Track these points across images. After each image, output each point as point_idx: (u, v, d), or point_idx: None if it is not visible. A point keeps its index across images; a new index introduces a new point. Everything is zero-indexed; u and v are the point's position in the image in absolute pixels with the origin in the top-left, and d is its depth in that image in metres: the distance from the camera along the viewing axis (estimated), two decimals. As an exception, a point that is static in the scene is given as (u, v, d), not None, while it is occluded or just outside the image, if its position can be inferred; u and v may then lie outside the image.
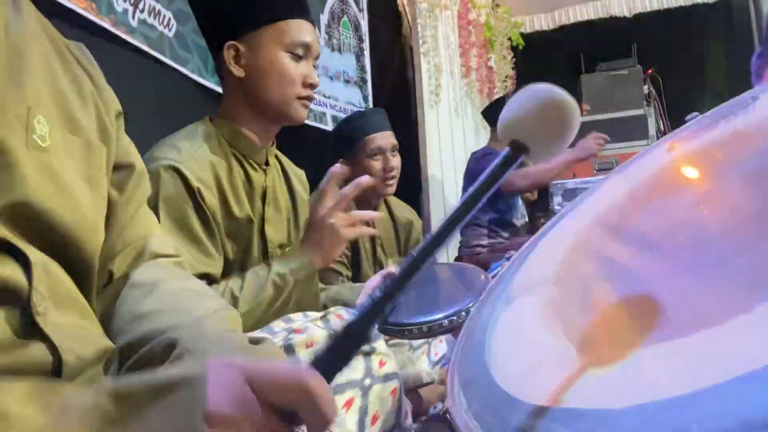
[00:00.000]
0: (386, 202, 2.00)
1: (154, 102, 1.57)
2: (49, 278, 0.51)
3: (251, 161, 1.16)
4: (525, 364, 0.53)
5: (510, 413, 0.45)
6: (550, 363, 0.50)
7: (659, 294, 0.52)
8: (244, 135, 1.15)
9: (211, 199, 1.05)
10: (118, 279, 0.63)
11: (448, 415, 0.52)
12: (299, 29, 1.12)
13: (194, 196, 1.02)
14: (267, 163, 1.20)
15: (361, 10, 2.88)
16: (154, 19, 1.52)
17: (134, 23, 1.45)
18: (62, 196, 0.52)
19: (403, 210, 2.08)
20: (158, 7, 1.54)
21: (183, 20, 1.62)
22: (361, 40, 2.86)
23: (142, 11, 1.47)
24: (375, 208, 1.91)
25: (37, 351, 0.47)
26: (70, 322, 0.52)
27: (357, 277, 1.84)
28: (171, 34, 1.59)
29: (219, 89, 1.70)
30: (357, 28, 2.85)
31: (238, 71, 1.12)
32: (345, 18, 2.73)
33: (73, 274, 0.55)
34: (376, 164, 1.85)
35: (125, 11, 1.42)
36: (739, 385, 0.31)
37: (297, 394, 0.35)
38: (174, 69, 1.60)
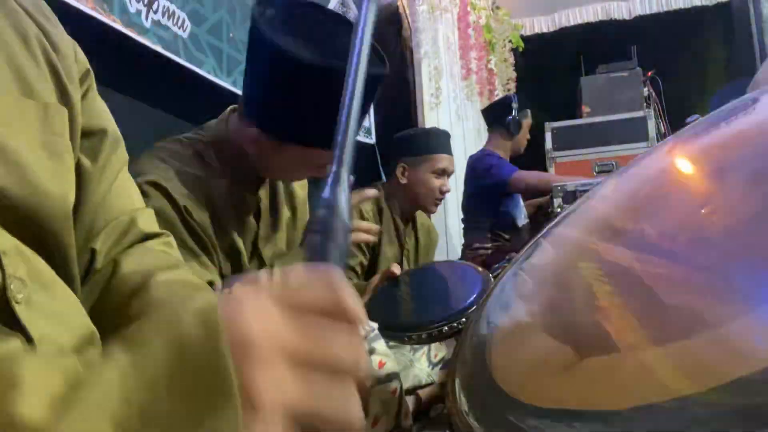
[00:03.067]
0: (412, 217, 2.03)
1: (169, 104, 1.56)
2: (25, 263, 0.47)
3: (245, 182, 1.13)
4: (525, 365, 0.53)
5: (510, 414, 0.45)
6: (551, 364, 0.50)
7: (660, 295, 0.52)
8: (250, 166, 1.11)
9: (201, 216, 1.01)
10: (105, 265, 0.59)
11: (448, 416, 0.52)
12: None
13: (181, 213, 0.98)
14: (260, 178, 1.16)
15: (361, 13, 2.88)
16: (168, 19, 1.51)
17: (147, 24, 1.44)
18: (10, 169, 0.47)
19: (423, 218, 2.11)
20: (172, 7, 1.52)
21: (197, 21, 1.59)
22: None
23: (155, 12, 1.46)
24: (408, 220, 1.96)
25: (13, 343, 0.44)
26: (49, 308, 0.48)
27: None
28: (185, 35, 1.58)
29: (234, 89, 1.70)
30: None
31: None
32: (346, 20, 2.74)
33: (46, 253, 0.51)
34: (437, 182, 1.89)
35: (138, 12, 1.41)
36: (739, 387, 0.32)
37: (323, 295, 0.32)
38: (188, 70, 1.59)
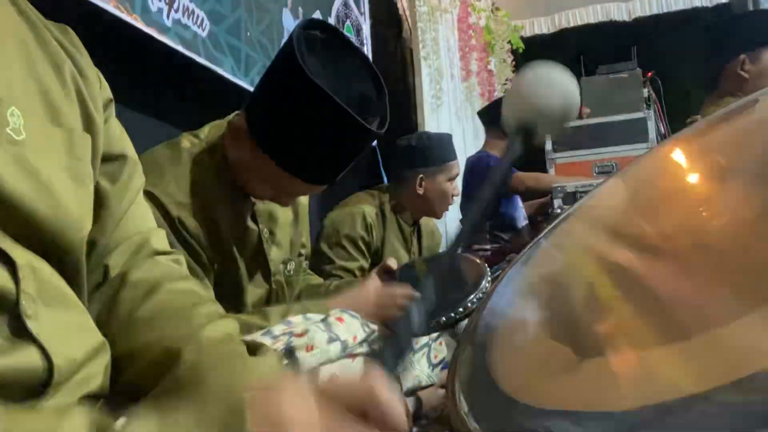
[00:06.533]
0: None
1: (186, 102, 1.55)
2: (36, 278, 0.49)
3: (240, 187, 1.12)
4: (526, 366, 0.53)
5: (511, 415, 0.45)
6: (551, 365, 0.50)
7: (660, 296, 0.52)
8: (250, 183, 1.10)
9: (193, 225, 1.00)
10: (114, 277, 0.61)
11: (448, 417, 0.52)
12: None
13: (174, 224, 0.98)
14: None
15: (362, 14, 2.89)
16: (188, 18, 1.51)
17: (168, 23, 1.43)
18: (42, 191, 0.50)
19: (426, 220, 2.11)
20: (192, 6, 1.52)
21: (216, 20, 1.59)
22: (362, 44, 2.86)
23: (176, 11, 1.46)
24: (413, 224, 1.97)
25: (28, 355, 0.46)
26: (61, 322, 0.50)
27: None
28: (204, 34, 1.57)
29: (251, 89, 1.70)
30: (359, 32, 2.85)
31: None
32: (348, 22, 2.74)
33: (60, 269, 0.53)
34: (451, 188, 1.90)
35: (160, 11, 1.41)
36: (738, 388, 0.32)
37: (365, 398, 0.34)
38: (207, 69, 1.58)
